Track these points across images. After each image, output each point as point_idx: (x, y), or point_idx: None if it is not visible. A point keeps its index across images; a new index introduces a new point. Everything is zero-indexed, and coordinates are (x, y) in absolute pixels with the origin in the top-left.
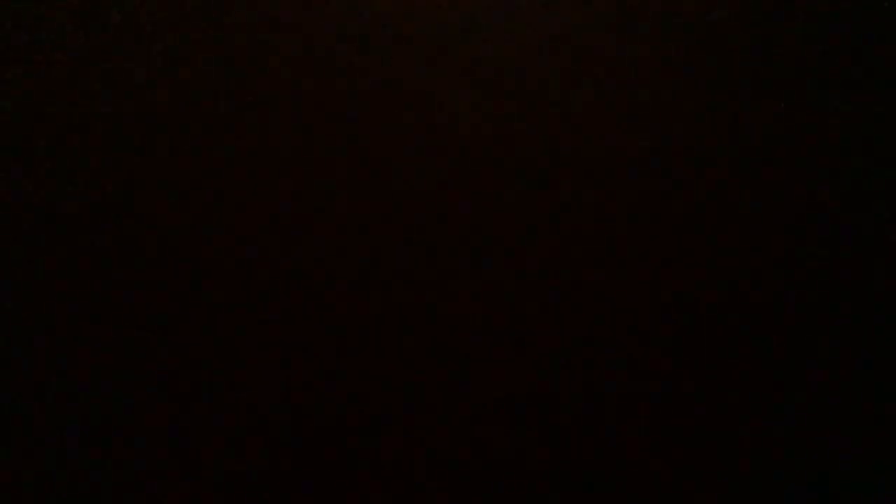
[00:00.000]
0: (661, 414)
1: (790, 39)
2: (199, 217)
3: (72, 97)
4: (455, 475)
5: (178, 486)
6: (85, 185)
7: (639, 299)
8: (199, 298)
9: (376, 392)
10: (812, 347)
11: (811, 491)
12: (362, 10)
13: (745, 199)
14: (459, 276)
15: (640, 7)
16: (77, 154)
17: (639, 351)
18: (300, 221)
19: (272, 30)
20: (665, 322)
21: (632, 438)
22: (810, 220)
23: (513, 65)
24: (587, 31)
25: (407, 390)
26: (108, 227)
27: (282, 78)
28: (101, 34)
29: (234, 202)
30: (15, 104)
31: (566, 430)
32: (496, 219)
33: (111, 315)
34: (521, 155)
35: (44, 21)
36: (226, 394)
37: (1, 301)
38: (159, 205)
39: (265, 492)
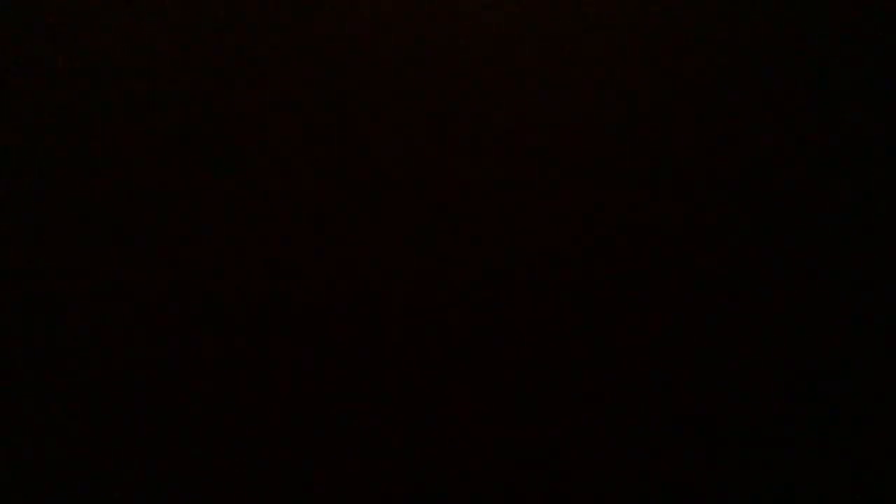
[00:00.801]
0: (660, 414)
1: (791, 40)
2: (198, 216)
3: (70, 96)
4: (453, 477)
5: (176, 486)
6: (83, 185)
7: (638, 299)
8: (199, 298)
9: (375, 393)
10: (814, 349)
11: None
12: (361, 10)
13: (745, 200)
14: (458, 276)
15: (638, 8)
16: (75, 153)
17: (637, 350)
18: (299, 220)
19: (271, 29)
20: (664, 321)
21: (631, 437)
22: (811, 221)
23: (515, 64)
24: (588, 30)
25: (405, 391)
26: (107, 228)
27: (282, 77)
28: (101, 33)
29: (234, 202)
30: (14, 103)
31: (566, 431)
32: (495, 217)
33: (111, 314)
34: (521, 154)
35: (43, 19)
36: (223, 394)
37: (1, 301)
38: (157, 205)
39: (263, 492)
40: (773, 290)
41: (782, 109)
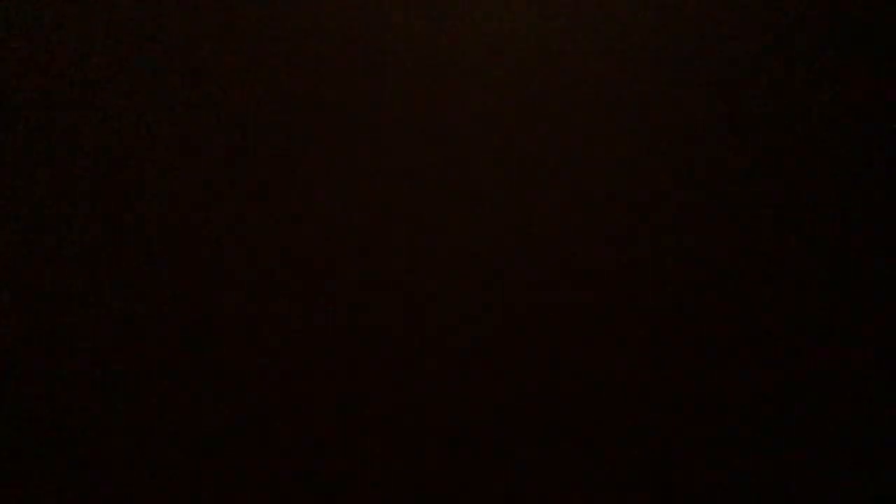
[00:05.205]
0: (659, 416)
1: (791, 38)
2: (202, 215)
3: (71, 95)
4: (451, 481)
5: (176, 488)
6: (86, 186)
7: (637, 300)
8: (201, 297)
9: (377, 392)
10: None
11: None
12: (362, 9)
13: (745, 200)
14: (457, 277)
15: (637, 7)
16: (78, 154)
17: (637, 351)
18: (302, 219)
19: (274, 31)
20: (664, 322)
21: (631, 439)
22: (811, 221)
23: (516, 65)
24: (588, 30)
25: (406, 391)
26: (108, 228)
27: (286, 77)
28: (105, 31)
29: (238, 200)
30: (15, 102)
31: (565, 434)
32: (494, 220)
33: (114, 315)
34: (520, 155)
35: (44, 17)
36: (224, 394)
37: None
38: (161, 204)
39: (263, 493)
40: (773, 292)
41: (783, 109)
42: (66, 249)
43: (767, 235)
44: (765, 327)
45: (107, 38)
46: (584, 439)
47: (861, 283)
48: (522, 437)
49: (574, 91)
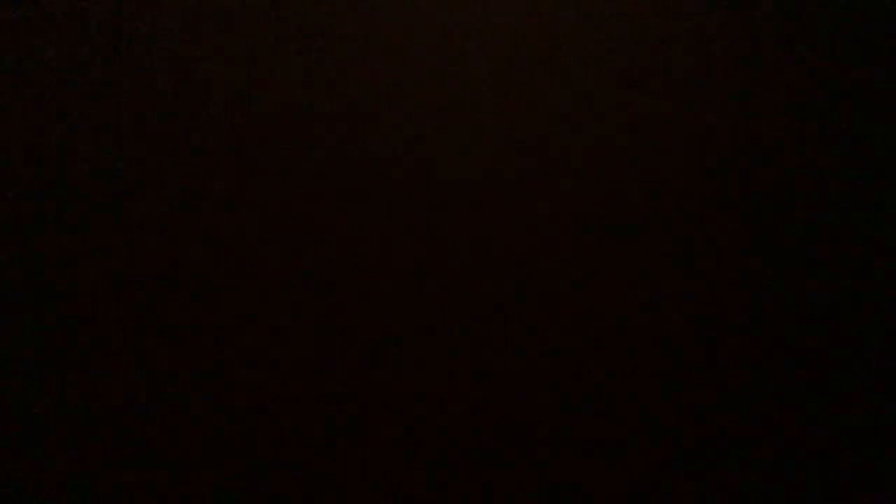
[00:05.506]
0: (659, 415)
1: (792, 40)
2: (201, 219)
3: (72, 95)
4: (453, 484)
5: (176, 488)
6: (87, 185)
7: (639, 299)
8: (201, 300)
9: (376, 394)
10: (814, 350)
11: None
12: (361, 7)
13: (746, 199)
14: (457, 276)
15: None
16: (79, 155)
17: (639, 350)
18: (301, 220)
19: (277, 39)
20: (665, 322)
21: (633, 438)
22: (812, 221)
23: (518, 64)
24: (589, 33)
25: (407, 393)
26: (107, 229)
27: (286, 79)
28: (106, 33)
29: (238, 203)
30: (16, 100)
31: (570, 434)
32: (498, 217)
33: (113, 316)
34: (520, 155)
35: (44, 15)
36: (226, 395)
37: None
38: (161, 206)
39: (264, 492)
40: (772, 291)
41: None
42: (66, 249)
43: (768, 235)
44: (766, 327)
45: (106, 38)
46: (584, 440)
47: (861, 283)
48: (522, 438)
49: (574, 90)
